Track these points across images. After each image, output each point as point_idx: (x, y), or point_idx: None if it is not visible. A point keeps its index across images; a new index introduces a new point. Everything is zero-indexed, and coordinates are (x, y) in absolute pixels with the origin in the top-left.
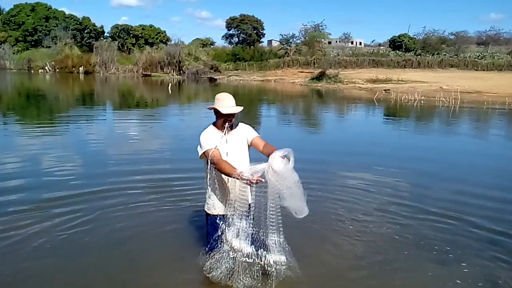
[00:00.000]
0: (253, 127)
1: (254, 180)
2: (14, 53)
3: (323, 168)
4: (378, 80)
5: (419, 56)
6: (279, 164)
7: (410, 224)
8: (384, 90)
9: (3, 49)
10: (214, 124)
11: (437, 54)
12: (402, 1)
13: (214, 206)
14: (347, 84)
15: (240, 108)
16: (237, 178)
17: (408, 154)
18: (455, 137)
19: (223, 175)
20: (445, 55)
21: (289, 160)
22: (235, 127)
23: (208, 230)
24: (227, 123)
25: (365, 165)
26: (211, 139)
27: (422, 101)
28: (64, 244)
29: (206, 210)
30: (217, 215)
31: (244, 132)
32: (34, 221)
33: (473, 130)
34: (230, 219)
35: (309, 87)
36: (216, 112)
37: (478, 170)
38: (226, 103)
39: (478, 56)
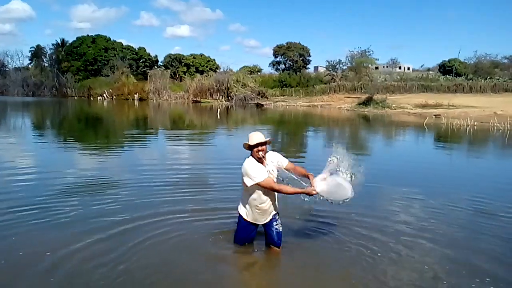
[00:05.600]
0: (298, 151)
1: (313, 193)
2: (75, 81)
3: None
4: (428, 105)
5: (470, 81)
6: (322, 186)
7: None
8: (434, 115)
9: (65, 78)
10: (252, 155)
11: (489, 78)
12: (451, 26)
13: (248, 214)
14: (395, 109)
15: (266, 138)
16: (305, 193)
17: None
18: None
19: (262, 197)
20: (498, 79)
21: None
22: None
23: (238, 228)
24: (261, 152)
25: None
26: (261, 171)
27: (475, 127)
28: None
29: (241, 214)
30: (248, 221)
31: (275, 160)
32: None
33: None
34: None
35: (355, 112)
36: (249, 146)
37: None
38: (254, 138)
39: None
